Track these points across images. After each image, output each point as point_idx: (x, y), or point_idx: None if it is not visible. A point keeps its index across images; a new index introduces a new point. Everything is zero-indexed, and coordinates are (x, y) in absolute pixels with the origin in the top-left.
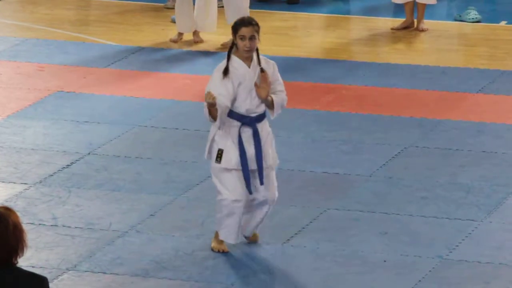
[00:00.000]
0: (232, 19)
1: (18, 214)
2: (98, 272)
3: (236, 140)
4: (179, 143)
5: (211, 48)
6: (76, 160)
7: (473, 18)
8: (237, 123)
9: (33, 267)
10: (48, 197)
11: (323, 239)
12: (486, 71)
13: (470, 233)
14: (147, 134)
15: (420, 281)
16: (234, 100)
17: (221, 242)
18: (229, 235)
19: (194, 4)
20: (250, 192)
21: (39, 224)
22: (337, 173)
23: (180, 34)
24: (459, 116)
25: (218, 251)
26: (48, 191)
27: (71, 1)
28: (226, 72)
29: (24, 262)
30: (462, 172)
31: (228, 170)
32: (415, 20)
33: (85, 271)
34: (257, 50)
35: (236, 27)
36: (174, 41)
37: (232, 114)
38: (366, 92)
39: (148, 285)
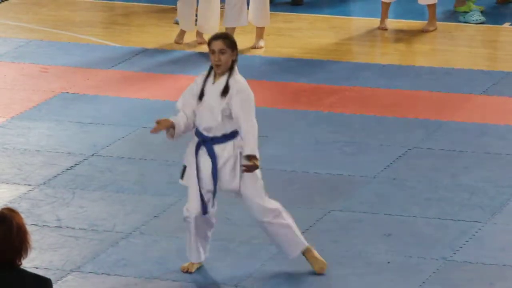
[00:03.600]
0: (255, 20)
1: (22, 215)
2: (102, 274)
3: (194, 157)
4: (182, 144)
5: None
6: (80, 162)
7: (477, 20)
8: (196, 139)
9: (37, 268)
10: (52, 198)
11: (327, 240)
12: (490, 72)
13: (474, 235)
14: (150, 135)
15: (424, 282)
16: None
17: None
18: (187, 252)
19: (197, 5)
20: (204, 212)
21: (43, 225)
22: (341, 175)
23: (182, 32)
24: (463, 118)
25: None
26: (52, 193)
27: (75, 3)
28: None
29: (28, 263)
30: (466, 174)
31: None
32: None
33: (89, 273)
34: (231, 67)
35: (208, 42)
36: (177, 42)
37: (196, 129)
38: (369, 93)
39: (152, 286)
